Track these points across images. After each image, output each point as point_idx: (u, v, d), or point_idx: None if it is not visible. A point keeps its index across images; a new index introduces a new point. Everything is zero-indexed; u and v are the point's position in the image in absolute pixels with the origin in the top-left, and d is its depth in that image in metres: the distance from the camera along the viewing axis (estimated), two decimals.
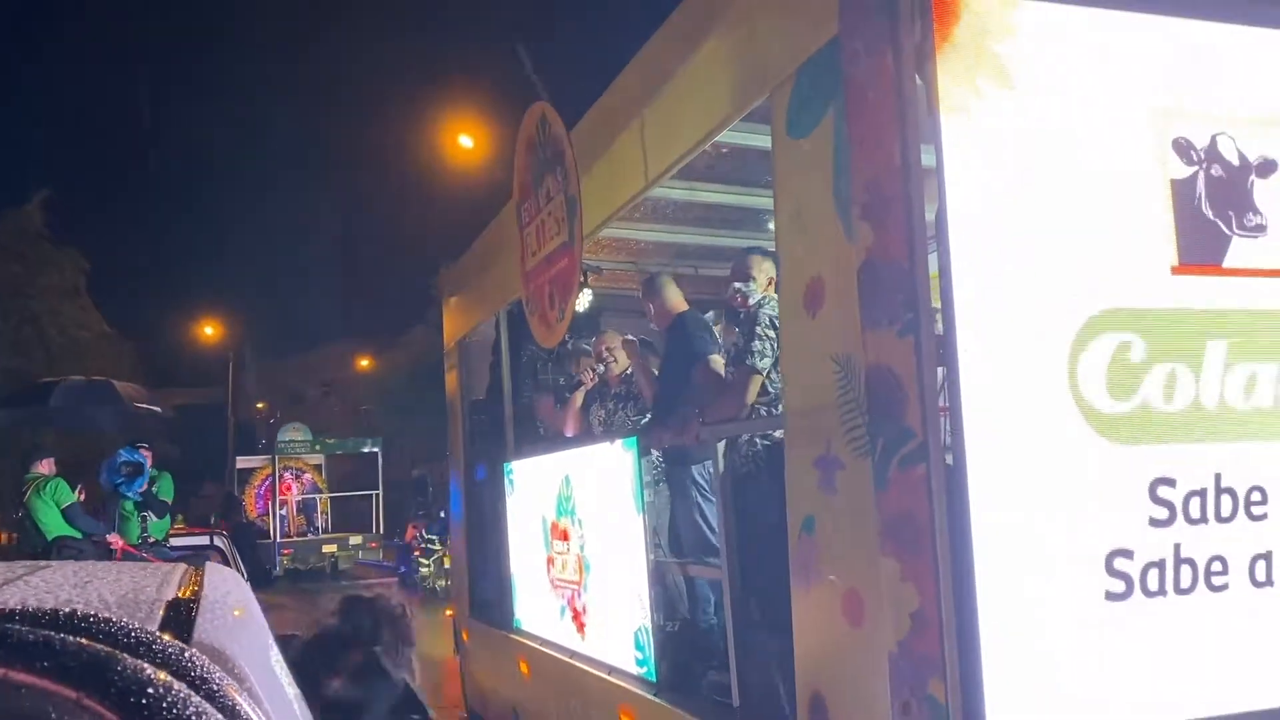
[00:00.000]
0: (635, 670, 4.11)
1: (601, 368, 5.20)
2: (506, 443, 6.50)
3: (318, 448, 24.64)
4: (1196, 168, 2.76)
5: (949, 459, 2.47)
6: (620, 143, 4.28)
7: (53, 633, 0.94)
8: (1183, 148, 2.75)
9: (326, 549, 22.72)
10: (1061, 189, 2.61)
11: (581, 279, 4.90)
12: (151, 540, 8.54)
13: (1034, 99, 2.61)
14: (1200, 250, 2.73)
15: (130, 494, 8.32)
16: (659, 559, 4.20)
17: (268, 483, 23.48)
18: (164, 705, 0.90)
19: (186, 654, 1.00)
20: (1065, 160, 2.62)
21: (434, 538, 17.52)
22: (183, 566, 1.52)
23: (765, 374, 3.78)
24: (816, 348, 2.69)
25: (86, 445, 13.95)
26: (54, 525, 7.64)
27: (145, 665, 0.94)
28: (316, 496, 24.23)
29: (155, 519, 8.60)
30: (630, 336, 5.25)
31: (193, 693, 0.94)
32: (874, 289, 2.49)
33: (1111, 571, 2.53)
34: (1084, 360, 2.57)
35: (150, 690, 0.91)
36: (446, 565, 15.86)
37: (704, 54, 3.44)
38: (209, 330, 32.12)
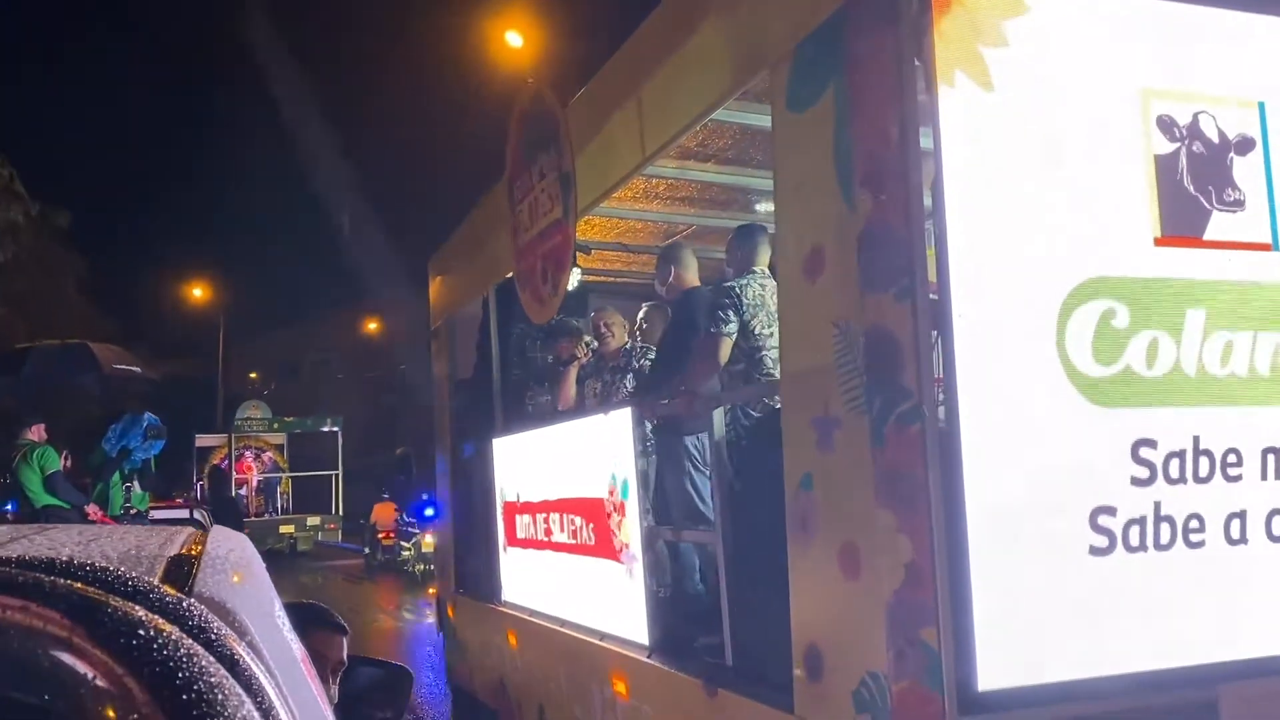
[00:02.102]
0: (627, 635, 4.21)
1: (595, 343, 5.29)
2: (495, 419, 6.58)
3: (275, 426, 24.19)
4: (1179, 144, 2.89)
5: (942, 417, 2.59)
6: (617, 119, 4.35)
7: (45, 575, 0.93)
8: (1166, 124, 2.87)
9: (284, 529, 22.47)
10: (1051, 161, 2.73)
11: (572, 257, 4.98)
12: (133, 511, 8.53)
13: (1027, 75, 2.72)
14: (1182, 223, 2.86)
15: (152, 454, 8.29)
16: (651, 525, 4.30)
17: (225, 462, 23.12)
18: (155, 647, 0.88)
19: (184, 603, 0.99)
20: (1055, 133, 2.74)
21: (414, 520, 17.44)
22: (190, 529, 1.51)
23: (732, 337, 4.10)
24: (816, 313, 2.80)
25: (71, 411, 13.71)
26: (41, 493, 7.63)
27: (137, 608, 0.92)
28: (277, 476, 23.86)
29: (139, 490, 8.55)
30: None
31: (187, 637, 0.93)
32: (873, 255, 2.60)
33: (1095, 527, 2.66)
34: (1071, 326, 2.69)
35: (142, 632, 0.89)
36: (425, 550, 15.86)
37: (703, 31, 3.53)
38: (197, 292, 30.58)
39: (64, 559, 0.99)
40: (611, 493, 4.33)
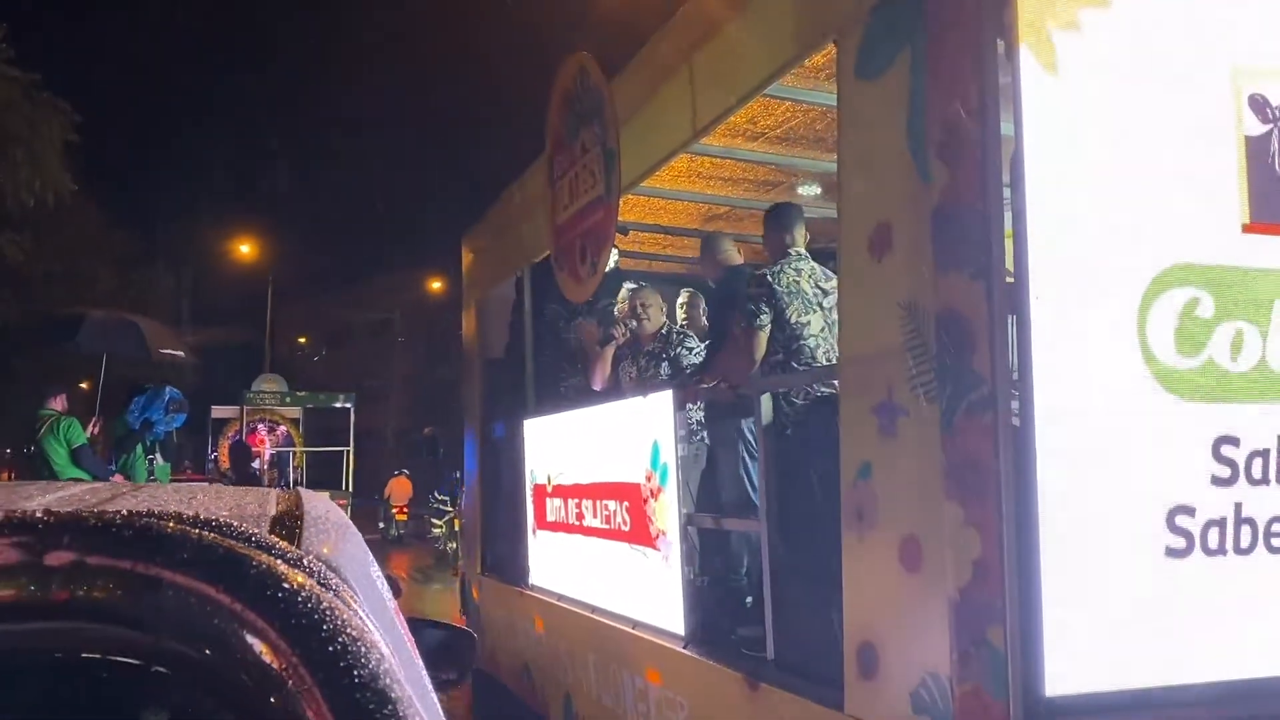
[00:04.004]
0: (662, 624, 4.09)
1: (634, 324, 5.16)
2: (527, 400, 6.48)
3: (288, 400, 24.10)
4: (1271, 125, 2.72)
5: (1016, 406, 2.45)
6: (665, 92, 4.22)
7: (191, 529, 0.92)
8: (1259, 105, 2.70)
9: None
10: (1137, 139, 2.57)
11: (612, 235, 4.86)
12: (157, 483, 8.51)
13: (1113, 48, 2.56)
14: (1272, 209, 2.69)
15: (174, 427, 8.33)
16: (690, 512, 4.18)
17: (236, 435, 23.06)
18: (299, 600, 0.90)
19: (305, 559, 0.99)
20: (1142, 110, 2.58)
21: (445, 498, 17.41)
22: (275, 490, 1.52)
23: (766, 329, 4.01)
24: (882, 293, 2.66)
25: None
26: (67, 465, 7.55)
27: (278, 562, 0.93)
28: (289, 450, 23.77)
29: (161, 462, 8.55)
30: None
31: (324, 591, 0.93)
32: (947, 232, 2.45)
33: (1173, 528, 2.51)
34: (1153, 314, 2.54)
35: (286, 585, 0.90)
36: (458, 527, 15.83)
37: None
38: (244, 249, 29.25)
39: (190, 515, 0.99)
40: (649, 478, 4.21)
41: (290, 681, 0.86)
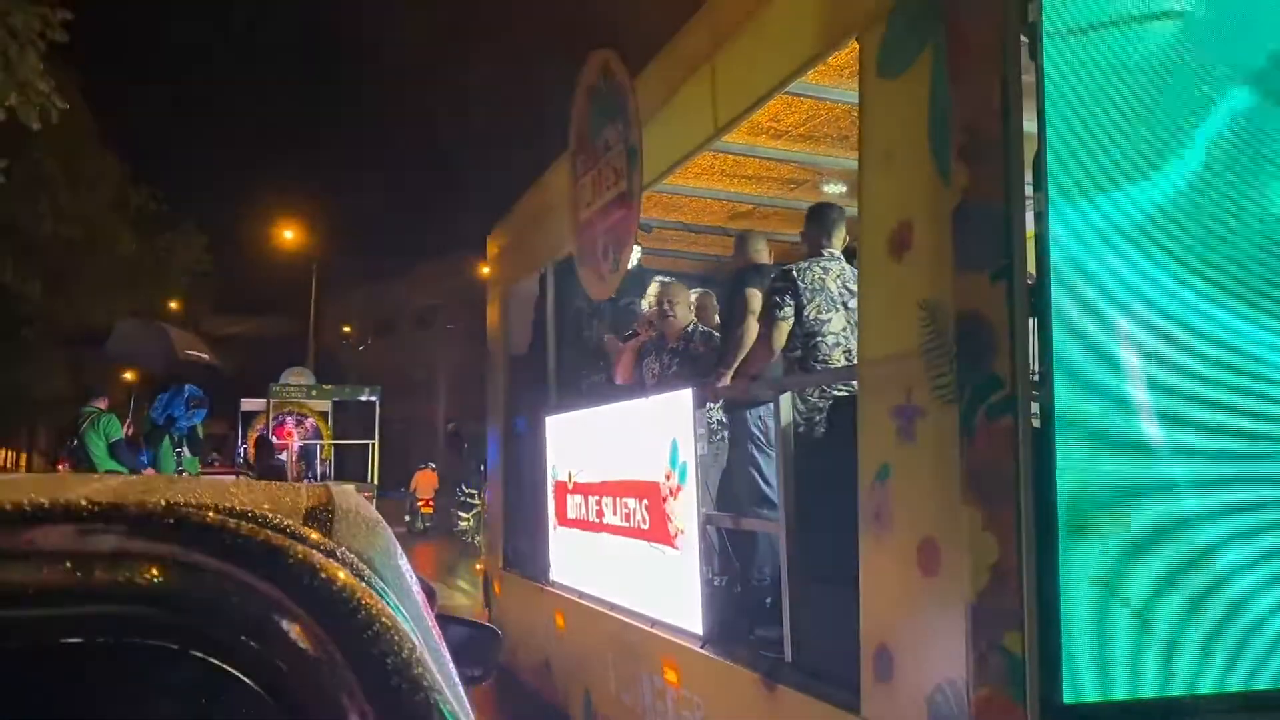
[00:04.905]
0: (680, 623, 4.08)
1: (660, 319, 5.14)
2: (549, 397, 6.49)
3: (314, 393, 24.15)
4: None
5: (1036, 409, 2.42)
6: (688, 90, 4.20)
7: (229, 519, 0.95)
8: None
9: None
10: (1161, 140, 2.53)
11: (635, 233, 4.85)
12: (185, 476, 8.69)
13: (1138, 42, 2.52)
14: None
15: (195, 422, 8.67)
16: (709, 511, 4.16)
17: (264, 429, 23.13)
18: (334, 589, 0.92)
19: (339, 550, 1.00)
20: (1168, 110, 2.54)
21: (473, 491, 17.49)
22: (305, 483, 1.54)
23: (788, 322, 3.99)
24: (901, 293, 2.63)
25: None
26: (105, 458, 8.10)
27: (314, 552, 0.95)
28: (316, 443, 23.85)
29: (189, 455, 8.89)
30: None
31: (358, 581, 0.95)
32: (968, 232, 2.42)
33: (1197, 535, 2.46)
34: None
35: (323, 575, 0.92)
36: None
37: None
38: (288, 234, 28.26)
39: (226, 506, 1.00)
40: (668, 476, 4.20)
41: (326, 668, 0.88)
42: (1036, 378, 2.44)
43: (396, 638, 0.92)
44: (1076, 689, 2.33)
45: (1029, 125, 2.44)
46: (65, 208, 14.83)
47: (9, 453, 24.64)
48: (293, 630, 0.89)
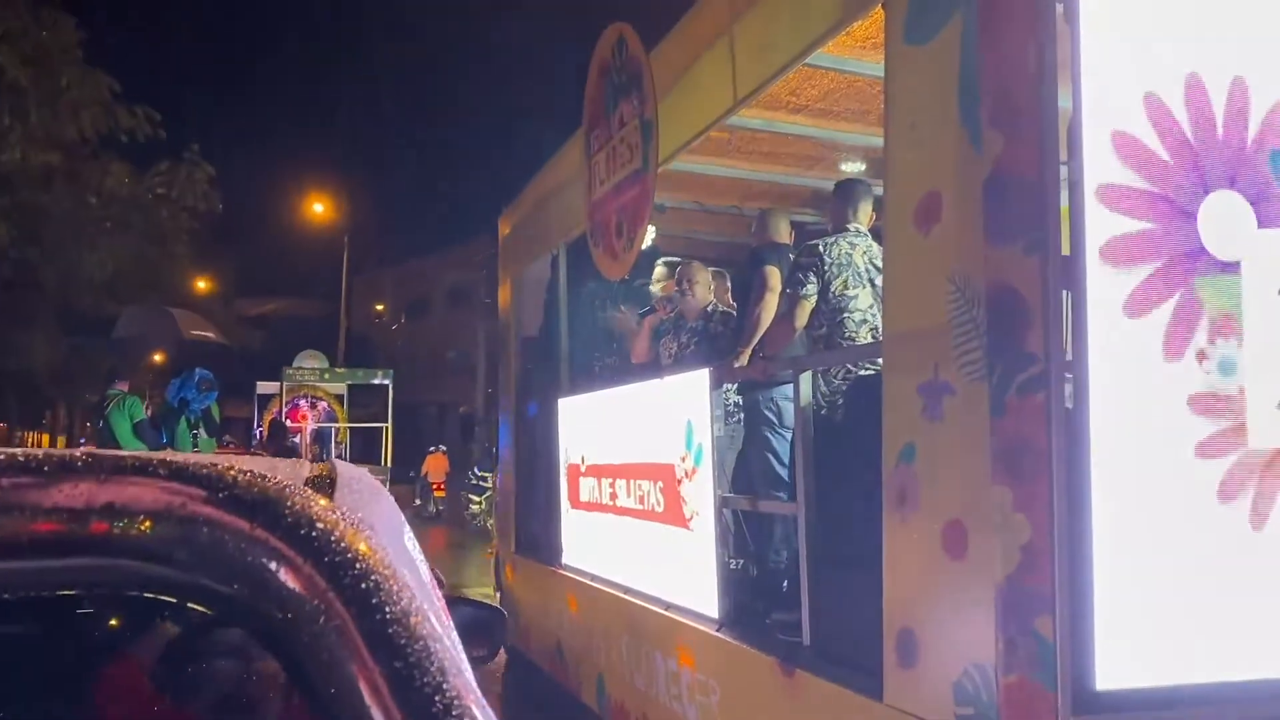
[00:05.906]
0: (695, 607, 4.02)
1: (679, 297, 5.07)
2: (561, 379, 6.42)
3: (327, 376, 24.16)
4: None
5: (1069, 387, 2.33)
6: (705, 63, 4.10)
7: (228, 473, 0.95)
8: None
9: None
10: (1201, 112, 2.43)
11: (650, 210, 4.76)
12: None
13: (1177, 12, 2.42)
14: None
15: (207, 404, 8.87)
16: (725, 494, 4.09)
17: (279, 412, 23.12)
18: (332, 540, 0.91)
19: (339, 509, 1.00)
20: (1206, 78, 2.44)
21: (485, 474, 17.46)
22: (308, 461, 1.55)
23: (811, 299, 3.91)
24: (928, 267, 2.54)
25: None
26: (129, 438, 8.40)
27: (313, 502, 0.94)
28: (330, 426, 23.88)
29: (204, 436, 9.05)
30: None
31: (356, 531, 0.95)
32: (1000, 203, 2.33)
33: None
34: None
35: (320, 525, 0.92)
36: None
37: None
38: (318, 208, 27.66)
39: (225, 465, 1.00)
40: (684, 458, 4.13)
41: (324, 616, 0.88)
42: (1069, 355, 2.36)
43: (395, 586, 0.92)
44: (1110, 675, 2.26)
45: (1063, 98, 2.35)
46: (39, 129, 11.62)
47: (33, 435, 24.67)
48: (289, 578, 0.89)
